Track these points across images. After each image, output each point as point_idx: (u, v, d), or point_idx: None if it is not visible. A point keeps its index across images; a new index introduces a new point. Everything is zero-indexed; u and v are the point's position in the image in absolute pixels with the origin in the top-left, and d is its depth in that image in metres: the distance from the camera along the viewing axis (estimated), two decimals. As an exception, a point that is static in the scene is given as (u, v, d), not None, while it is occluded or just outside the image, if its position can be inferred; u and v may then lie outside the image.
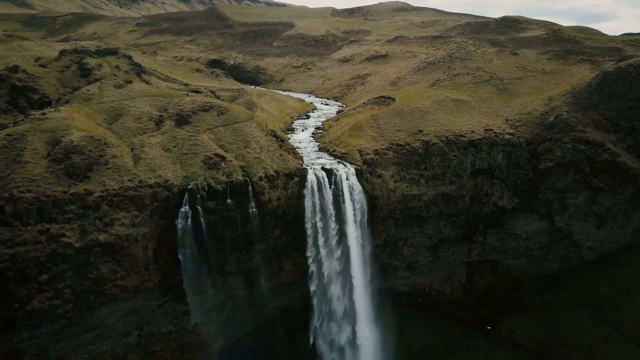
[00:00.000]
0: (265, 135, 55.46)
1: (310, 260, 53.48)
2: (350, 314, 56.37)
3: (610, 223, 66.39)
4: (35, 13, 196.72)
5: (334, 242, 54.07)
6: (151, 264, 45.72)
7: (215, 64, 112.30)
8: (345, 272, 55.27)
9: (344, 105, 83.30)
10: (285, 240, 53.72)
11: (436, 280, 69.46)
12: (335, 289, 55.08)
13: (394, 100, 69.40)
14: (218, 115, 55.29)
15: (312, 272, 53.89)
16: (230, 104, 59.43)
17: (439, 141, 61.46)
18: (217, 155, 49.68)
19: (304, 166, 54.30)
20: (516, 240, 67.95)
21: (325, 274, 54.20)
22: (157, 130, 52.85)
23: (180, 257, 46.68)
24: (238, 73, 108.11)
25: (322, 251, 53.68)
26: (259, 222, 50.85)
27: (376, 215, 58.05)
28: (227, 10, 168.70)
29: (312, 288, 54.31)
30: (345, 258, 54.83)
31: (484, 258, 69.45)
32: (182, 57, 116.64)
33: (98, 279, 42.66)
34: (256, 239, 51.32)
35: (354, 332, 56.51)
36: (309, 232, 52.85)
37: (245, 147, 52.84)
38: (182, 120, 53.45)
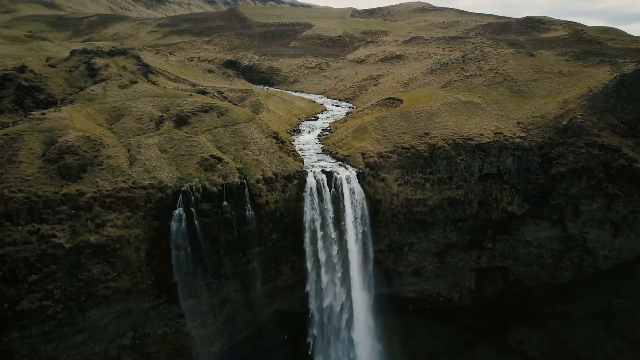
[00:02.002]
0: (266, 137, 54.67)
1: (308, 265, 52.46)
2: (349, 320, 55.19)
3: (627, 231, 63.63)
4: (62, 14, 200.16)
5: (333, 246, 52.95)
6: (144, 266, 45.29)
7: (230, 64, 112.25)
8: (345, 277, 54.14)
9: (355, 107, 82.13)
10: (284, 243, 52.80)
11: (444, 286, 67.71)
12: (333, 294, 53.98)
13: (402, 102, 67.93)
14: (218, 117, 54.72)
15: (310, 276, 52.86)
16: (231, 105, 58.82)
17: (445, 144, 59.80)
18: (213, 156, 49.08)
19: (303, 169, 53.30)
20: (527, 247, 65.71)
21: (324, 279, 53.12)
22: (156, 130, 52.56)
23: (173, 259, 46.17)
24: (252, 74, 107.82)
25: (321, 256, 52.60)
26: (256, 225, 50.04)
27: (378, 219, 56.69)
28: (247, 11, 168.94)
29: (310, 293, 53.36)
30: (345, 263, 53.70)
31: (494, 265, 67.42)
32: (198, 57, 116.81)
33: (89, 280, 42.33)
34: (253, 242, 50.51)
35: (351, 339, 55.38)
36: (308, 236, 51.82)
37: (243, 149, 52.14)
38: (181, 121, 53.02)
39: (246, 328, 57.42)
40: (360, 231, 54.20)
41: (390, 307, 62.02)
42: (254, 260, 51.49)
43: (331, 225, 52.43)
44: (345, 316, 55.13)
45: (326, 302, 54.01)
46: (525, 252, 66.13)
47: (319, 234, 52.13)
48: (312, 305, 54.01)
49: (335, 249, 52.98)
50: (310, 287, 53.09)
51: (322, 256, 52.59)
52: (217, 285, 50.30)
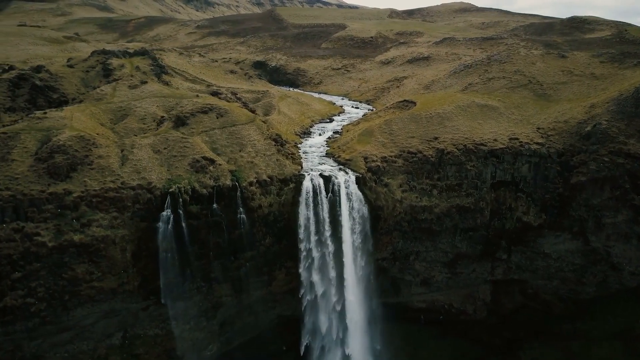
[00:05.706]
0: (265, 139, 53.65)
1: (302, 272, 51.03)
2: (345, 331, 53.37)
3: (657, 247, 58.96)
4: (113, 17, 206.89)
5: (329, 252, 51.28)
6: (130, 267, 45.07)
7: (259, 65, 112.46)
8: (341, 285, 52.37)
9: (374, 109, 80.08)
10: (278, 248, 51.57)
11: (456, 298, 64.70)
12: (328, 302, 52.31)
13: (415, 105, 65.45)
14: (217, 118, 54.14)
15: (304, 284, 51.42)
16: (232, 106, 57.99)
17: (455, 149, 57.02)
18: (205, 158, 48.47)
19: (301, 172, 51.96)
20: (546, 260, 61.87)
21: (318, 287, 51.54)
22: (155, 131, 52.50)
23: (160, 261, 45.79)
24: (279, 75, 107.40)
25: (316, 262, 51.12)
26: (248, 228, 49.08)
27: (380, 226, 54.59)
28: (284, 12, 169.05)
29: (304, 302, 51.92)
30: (341, 270, 51.91)
31: (510, 277, 63.90)
32: (230, 58, 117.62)
33: (73, 279, 42.44)
34: (245, 246, 49.56)
35: (348, 354, 53.60)
36: (302, 241, 50.40)
37: (239, 151, 51.32)
38: (179, 121, 52.77)
39: (246, 333, 56.44)
40: (359, 238, 52.26)
41: (398, 317, 59.77)
42: (247, 264, 50.50)
43: (327, 231, 50.82)
44: (340, 326, 53.30)
45: (321, 310, 52.43)
46: (544, 265, 62.34)
47: (314, 239, 50.65)
48: (307, 313, 52.45)
49: (331, 255, 51.28)
50: (304, 295, 51.52)
51: (316, 262, 51.08)
52: (207, 288, 49.63)
